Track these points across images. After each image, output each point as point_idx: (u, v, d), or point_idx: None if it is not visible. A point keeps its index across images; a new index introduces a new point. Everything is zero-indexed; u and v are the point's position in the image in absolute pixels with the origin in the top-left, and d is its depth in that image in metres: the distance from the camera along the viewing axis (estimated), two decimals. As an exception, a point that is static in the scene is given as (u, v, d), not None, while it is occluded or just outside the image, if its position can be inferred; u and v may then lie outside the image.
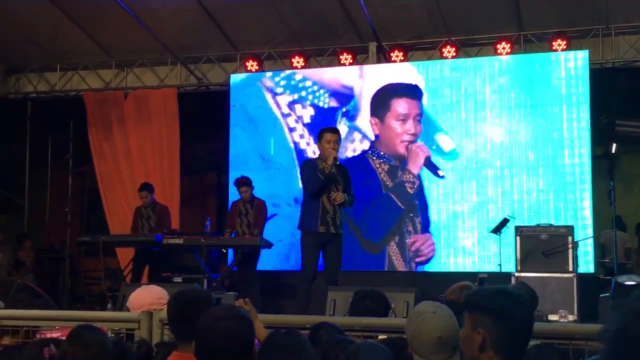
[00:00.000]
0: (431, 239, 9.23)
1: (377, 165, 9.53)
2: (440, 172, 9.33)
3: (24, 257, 10.45)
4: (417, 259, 9.24)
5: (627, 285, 6.64)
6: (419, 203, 9.36)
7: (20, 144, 11.58)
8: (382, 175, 9.50)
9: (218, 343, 2.51)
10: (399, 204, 9.38)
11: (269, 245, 8.10)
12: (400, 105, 9.63)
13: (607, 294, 6.87)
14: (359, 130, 9.70)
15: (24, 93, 11.41)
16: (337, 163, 6.64)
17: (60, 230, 11.51)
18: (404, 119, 9.57)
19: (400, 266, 9.29)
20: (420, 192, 9.38)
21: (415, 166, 9.40)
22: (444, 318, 2.60)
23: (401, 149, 9.52)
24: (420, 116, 9.52)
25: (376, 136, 9.64)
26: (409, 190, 9.38)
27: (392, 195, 9.40)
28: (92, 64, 10.99)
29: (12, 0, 9.24)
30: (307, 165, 6.83)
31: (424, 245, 9.23)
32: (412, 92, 9.59)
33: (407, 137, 9.51)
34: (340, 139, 6.66)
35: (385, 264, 9.34)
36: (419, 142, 9.46)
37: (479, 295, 2.50)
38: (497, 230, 7.92)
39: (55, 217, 11.71)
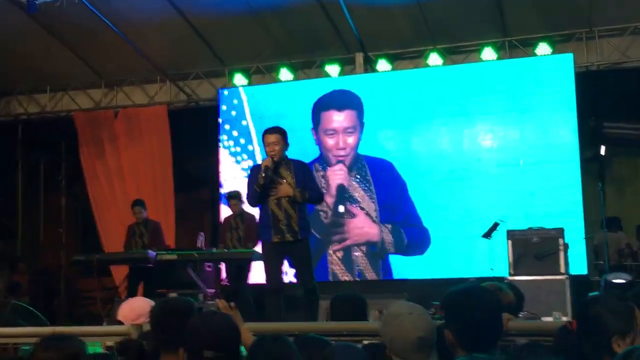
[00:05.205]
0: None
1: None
2: (341, 208, 9.37)
3: (19, 279, 10.43)
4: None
5: (616, 283, 6.63)
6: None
7: (11, 165, 11.59)
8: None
9: (206, 349, 2.52)
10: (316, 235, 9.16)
11: (261, 258, 8.08)
12: (328, 119, 9.70)
13: (595, 293, 6.87)
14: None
15: (14, 115, 11.46)
16: (289, 160, 6.22)
17: (55, 252, 11.48)
18: (332, 134, 9.64)
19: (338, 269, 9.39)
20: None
21: (329, 194, 9.39)
22: (422, 318, 2.61)
23: None
24: (352, 128, 9.57)
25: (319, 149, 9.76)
26: (324, 220, 9.38)
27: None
28: (81, 84, 11.04)
29: (-1, 23, 9.31)
30: (251, 173, 6.38)
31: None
32: (343, 102, 9.64)
33: (337, 152, 9.58)
34: (283, 138, 6.12)
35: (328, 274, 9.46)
36: (338, 166, 9.52)
37: (446, 294, 2.59)
38: (488, 234, 7.92)
39: (50, 239, 11.68)
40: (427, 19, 9.15)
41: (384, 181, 9.44)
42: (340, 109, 9.69)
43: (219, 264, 9.10)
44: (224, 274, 9.19)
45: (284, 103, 10.04)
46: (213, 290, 8.45)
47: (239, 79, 10.21)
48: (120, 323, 4.23)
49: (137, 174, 10.76)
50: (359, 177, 9.51)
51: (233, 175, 10.12)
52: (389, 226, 9.36)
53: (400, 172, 9.51)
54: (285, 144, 6.13)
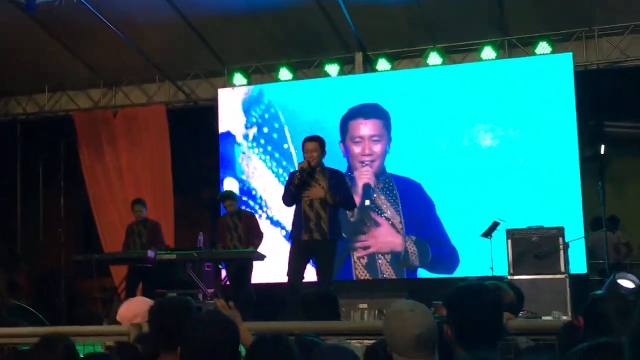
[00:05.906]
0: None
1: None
2: (367, 202, 9.44)
3: (19, 279, 10.40)
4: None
5: (624, 287, 6.58)
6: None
7: (10, 166, 11.57)
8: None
9: (205, 348, 2.52)
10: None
11: (261, 257, 8.08)
12: (355, 127, 9.72)
13: (598, 292, 6.86)
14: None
15: (13, 115, 11.45)
16: (325, 168, 6.58)
17: (54, 252, 11.46)
18: (359, 141, 9.65)
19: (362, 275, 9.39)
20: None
21: (355, 193, 9.34)
22: (422, 315, 2.61)
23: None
24: (378, 136, 9.58)
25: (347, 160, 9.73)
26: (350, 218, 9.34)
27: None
28: (80, 84, 11.02)
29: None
30: (289, 176, 6.81)
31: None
32: (368, 112, 9.67)
33: (363, 158, 9.62)
34: (321, 146, 6.54)
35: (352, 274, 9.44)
36: (364, 168, 9.54)
37: (449, 291, 2.59)
38: (488, 234, 7.92)
39: (50, 239, 11.66)
40: (426, 18, 9.13)
41: (410, 198, 9.43)
42: (366, 117, 9.71)
43: (219, 263, 9.09)
44: (224, 274, 9.18)
45: (283, 104, 10.01)
46: (212, 290, 8.44)
47: (239, 79, 10.20)
48: (120, 323, 4.22)
49: (136, 173, 10.75)
50: (384, 188, 9.52)
51: (232, 175, 10.08)
52: (413, 237, 9.34)
53: (398, 170, 9.49)
54: (322, 151, 6.55)
